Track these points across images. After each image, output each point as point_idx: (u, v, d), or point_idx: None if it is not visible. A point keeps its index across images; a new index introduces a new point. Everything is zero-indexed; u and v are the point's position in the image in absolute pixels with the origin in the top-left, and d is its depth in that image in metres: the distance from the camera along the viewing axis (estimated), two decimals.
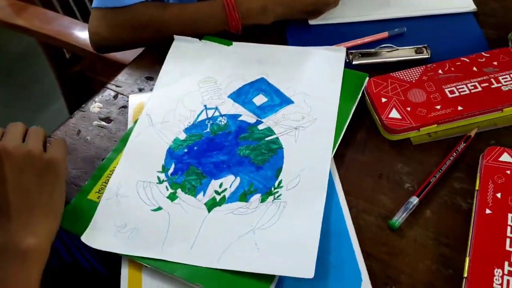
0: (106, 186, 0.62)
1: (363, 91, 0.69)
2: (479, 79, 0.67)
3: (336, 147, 0.64)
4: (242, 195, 0.60)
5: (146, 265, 0.55)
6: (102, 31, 0.80)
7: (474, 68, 0.68)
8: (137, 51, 0.83)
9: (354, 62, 0.74)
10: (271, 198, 0.60)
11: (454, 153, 0.62)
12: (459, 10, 0.80)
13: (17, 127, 0.55)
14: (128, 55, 0.86)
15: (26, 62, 2.02)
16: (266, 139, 0.66)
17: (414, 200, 0.59)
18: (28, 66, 2.00)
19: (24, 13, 1.16)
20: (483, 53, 0.70)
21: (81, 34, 1.10)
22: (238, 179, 0.62)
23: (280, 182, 0.61)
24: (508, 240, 0.53)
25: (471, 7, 0.80)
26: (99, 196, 0.61)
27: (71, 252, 0.72)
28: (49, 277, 0.71)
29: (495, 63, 0.69)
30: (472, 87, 0.66)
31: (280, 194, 0.60)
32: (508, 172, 0.58)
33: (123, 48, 0.85)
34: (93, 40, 0.82)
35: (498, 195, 0.56)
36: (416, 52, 0.75)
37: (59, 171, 0.54)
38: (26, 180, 0.52)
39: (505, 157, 0.60)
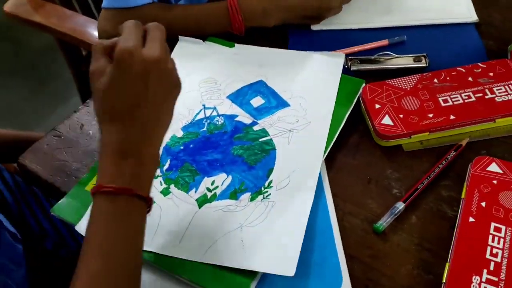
0: None
1: (358, 96, 0.71)
2: (474, 89, 0.68)
3: (328, 150, 0.65)
4: (233, 193, 0.62)
5: None
6: (110, 30, 0.83)
7: (470, 78, 0.69)
8: None
9: (352, 68, 0.75)
10: (260, 197, 0.61)
11: (444, 161, 0.63)
12: (461, 20, 0.81)
13: (162, 32, 0.53)
14: None
15: (48, 57, 2.06)
16: (260, 140, 0.68)
17: (400, 205, 0.60)
18: (49, 61, 2.05)
19: (42, 10, 1.20)
20: (479, 63, 0.71)
21: (95, 32, 1.13)
22: (230, 177, 0.64)
23: (270, 182, 0.63)
24: (488, 249, 0.53)
25: (473, 18, 0.81)
26: None
27: (76, 240, 0.75)
28: (57, 266, 0.74)
29: (491, 74, 0.69)
30: (466, 97, 0.67)
31: (269, 194, 0.62)
32: (495, 182, 0.59)
33: None
34: (102, 39, 0.85)
35: (483, 204, 0.57)
36: (415, 61, 0.75)
37: (177, 92, 0.54)
38: (161, 93, 0.51)
39: (493, 167, 0.60)
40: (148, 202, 0.50)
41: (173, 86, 0.53)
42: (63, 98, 1.91)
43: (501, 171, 0.60)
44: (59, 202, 0.62)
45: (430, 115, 0.66)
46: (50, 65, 2.02)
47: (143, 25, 0.53)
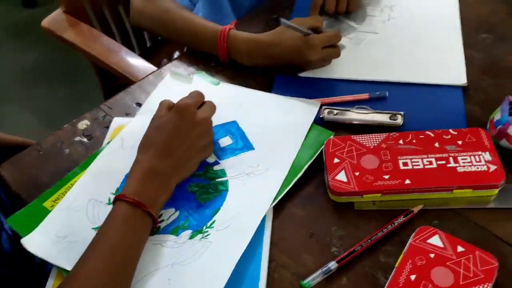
0: (62, 197, 0.68)
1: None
2: (437, 155, 0.66)
3: (279, 198, 0.66)
4: (175, 229, 0.64)
5: None
6: (136, 11, 0.94)
7: (436, 144, 0.67)
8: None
9: (326, 119, 0.75)
10: (199, 236, 0.63)
11: (390, 226, 0.62)
12: (448, 82, 0.79)
13: (214, 108, 0.71)
14: (157, 81, 0.92)
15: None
16: (216, 180, 0.69)
17: (333, 265, 0.59)
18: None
19: (74, 29, 1.28)
20: (450, 130, 0.69)
21: (115, 56, 1.19)
22: (177, 213, 0.66)
23: (213, 223, 0.64)
24: None
25: (462, 81, 0.79)
26: (53, 205, 0.67)
27: None
28: (35, 273, 0.78)
29: (460, 142, 0.67)
30: (427, 163, 0.65)
31: (209, 234, 0.63)
32: (432, 255, 0.57)
33: (149, 31, 1.09)
34: (131, 17, 0.97)
35: (412, 277, 0.55)
36: (390, 118, 0.74)
37: (208, 153, 0.70)
38: (198, 145, 0.67)
39: (434, 240, 0.58)
40: (155, 223, 0.61)
41: (207, 146, 0.69)
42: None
43: (441, 245, 0.57)
44: (16, 213, 0.66)
45: (386, 177, 0.65)
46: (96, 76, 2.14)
47: (203, 97, 0.71)
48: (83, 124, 0.80)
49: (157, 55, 1.48)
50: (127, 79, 1.19)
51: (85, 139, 0.78)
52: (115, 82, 1.45)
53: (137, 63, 1.17)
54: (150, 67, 1.13)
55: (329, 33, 0.81)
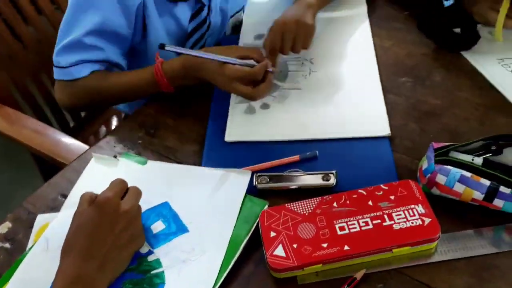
0: None
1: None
2: (372, 214, 0.65)
3: (220, 283, 0.63)
4: None
5: None
6: (62, 98, 0.97)
7: (370, 202, 0.67)
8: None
9: (258, 187, 0.74)
10: None
11: None
12: (373, 134, 0.79)
13: (138, 194, 0.67)
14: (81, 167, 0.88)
15: None
16: (151, 272, 0.65)
17: None
18: None
19: None
20: (382, 185, 0.68)
21: (40, 138, 1.13)
22: None
23: None
24: None
25: (385, 131, 0.79)
26: None
27: None
28: None
29: (392, 197, 0.67)
30: (364, 224, 0.64)
31: None
32: None
33: (83, 111, 1.16)
34: (59, 105, 1.01)
35: None
36: (323, 179, 0.73)
37: (139, 243, 0.66)
38: (124, 239, 0.63)
39: None
40: None
41: (136, 237, 0.65)
42: None
43: None
44: None
45: (324, 245, 0.63)
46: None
47: (126, 184, 0.68)
48: (4, 227, 0.75)
49: (92, 124, 1.44)
50: (56, 160, 1.15)
51: (7, 244, 0.72)
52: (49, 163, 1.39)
53: (65, 141, 1.12)
54: (79, 145, 1.08)
55: (244, 68, 0.81)
